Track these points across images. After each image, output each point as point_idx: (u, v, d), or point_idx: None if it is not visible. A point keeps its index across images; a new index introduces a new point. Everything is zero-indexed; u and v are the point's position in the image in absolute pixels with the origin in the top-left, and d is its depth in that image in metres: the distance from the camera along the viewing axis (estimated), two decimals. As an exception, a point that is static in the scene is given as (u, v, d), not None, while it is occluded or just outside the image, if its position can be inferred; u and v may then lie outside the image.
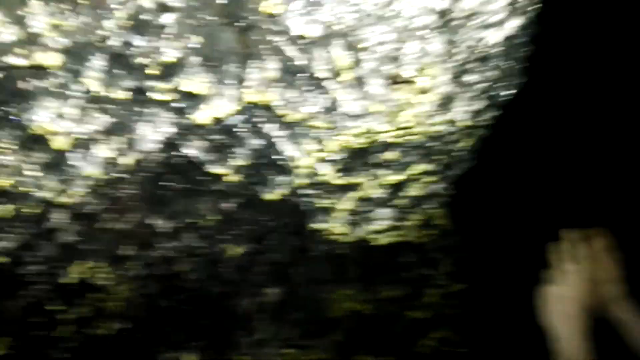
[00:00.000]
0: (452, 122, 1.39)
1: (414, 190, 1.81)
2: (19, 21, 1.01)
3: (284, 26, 0.93)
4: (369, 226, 1.92)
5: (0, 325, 1.43)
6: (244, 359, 2.10)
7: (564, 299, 1.19)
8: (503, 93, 1.46)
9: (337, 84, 1.03)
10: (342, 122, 1.12)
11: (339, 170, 1.34)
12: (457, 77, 1.21)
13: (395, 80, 1.03)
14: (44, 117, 1.06)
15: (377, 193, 1.63)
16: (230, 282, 1.94)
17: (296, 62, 0.99)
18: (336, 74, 1.01)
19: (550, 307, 1.21)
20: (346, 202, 1.59)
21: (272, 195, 1.39)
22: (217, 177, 1.30)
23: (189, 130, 1.09)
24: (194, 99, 0.98)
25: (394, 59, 1.01)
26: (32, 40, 1.01)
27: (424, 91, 1.10)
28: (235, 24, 0.91)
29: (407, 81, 1.05)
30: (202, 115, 1.03)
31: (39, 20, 1.00)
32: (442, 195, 2.05)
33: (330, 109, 1.09)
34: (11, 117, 1.05)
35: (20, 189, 1.15)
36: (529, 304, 1.38)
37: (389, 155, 1.38)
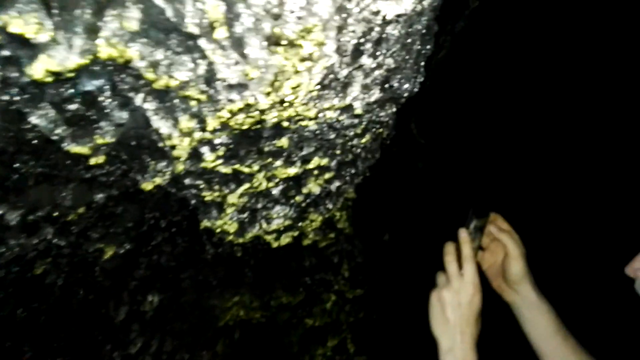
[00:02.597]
0: (350, 110, 1.28)
1: (312, 187, 1.69)
2: None
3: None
4: (267, 225, 1.77)
5: None
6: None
7: (451, 304, 1.13)
8: (404, 86, 1.39)
9: (211, 44, 0.88)
10: (219, 94, 0.96)
11: (225, 156, 1.18)
12: (353, 56, 1.10)
13: (277, 42, 0.90)
14: None
15: (272, 187, 1.49)
16: (103, 287, 1.70)
17: (166, 15, 0.82)
18: (210, 29, 0.85)
19: (437, 313, 1.14)
20: (238, 196, 1.43)
21: (150, 184, 1.19)
22: (80, 158, 1.08)
23: (29, 92, 0.88)
24: (28, 46, 0.78)
25: (275, 16, 0.88)
26: None
27: (309, 59, 0.98)
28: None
29: (292, 44, 0.92)
30: (40, 69, 0.82)
31: None
32: (341, 195, 1.95)
33: (206, 77, 0.94)
34: None
35: None
36: (425, 310, 1.31)
37: (281, 142, 1.24)
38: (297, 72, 0.98)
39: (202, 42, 0.88)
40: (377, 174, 2.33)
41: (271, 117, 1.12)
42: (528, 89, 3.29)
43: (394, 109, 1.60)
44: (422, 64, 1.54)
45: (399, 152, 2.75)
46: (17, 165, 1.10)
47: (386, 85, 1.37)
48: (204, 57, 0.91)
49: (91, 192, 1.33)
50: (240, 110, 1.02)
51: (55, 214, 1.38)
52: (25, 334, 1.63)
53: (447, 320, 1.13)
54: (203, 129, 1.08)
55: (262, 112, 1.08)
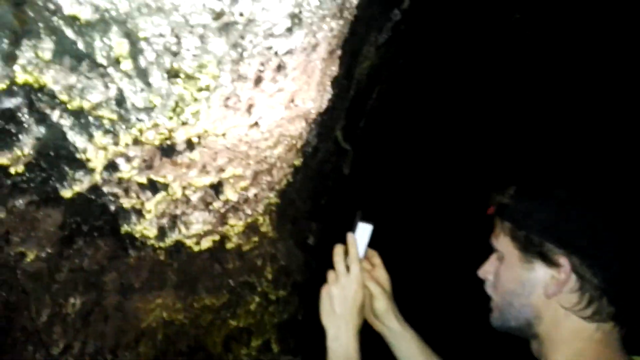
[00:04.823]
0: (258, 126, 1.44)
1: (229, 194, 1.83)
2: None
3: (56, 4, 0.89)
4: (186, 230, 1.89)
5: None
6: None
7: (338, 298, 1.30)
8: (309, 104, 1.56)
9: (119, 73, 1.01)
10: (130, 114, 1.09)
11: (139, 167, 1.30)
12: (255, 82, 1.26)
13: (176, 74, 1.04)
14: None
15: (189, 195, 1.62)
16: (25, 290, 1.76)
17: (77, 46, 0.95)
18: (116, 61, 0.99)
19: (326, 306, 1.31)
20: (156, 203, 1.55)
21: (69, 191, 1.29)
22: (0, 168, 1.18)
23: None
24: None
25: (174, 53, 1.02)
26: None
27: (206, 89, 1.13)
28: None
29: (189, 76, 1.06)
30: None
31: None
32: (260, 201, 2.10)
33: (116, 100, 1.06)
34: None
35: None
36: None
37: (194, 155, 1.38)
38: (195, 99, 1.13)
39: (111, 71, 1.01)
40: (299, 180, 2.50)
41: (180, 135, 1.26)
42: (447, 94, 3.56)
43: (304, 124, 1.77)
44: (329, 82, 1.73)
45: (323, 159, 2.93)
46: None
47: (291, 104, 1.54)
48: (113, 82, 1.04)
49: (12, 197, 1.41)
50: (150, 128, 1.15)
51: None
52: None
53: (334, 311, 1.30)
54: (117, 144, 1.20)
55: (170, 130, 1.21)
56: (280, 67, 1.30)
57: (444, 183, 4.07)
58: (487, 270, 1.19)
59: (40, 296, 1.83)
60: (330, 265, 1.35)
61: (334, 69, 1.67)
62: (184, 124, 1.21)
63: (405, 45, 3.02)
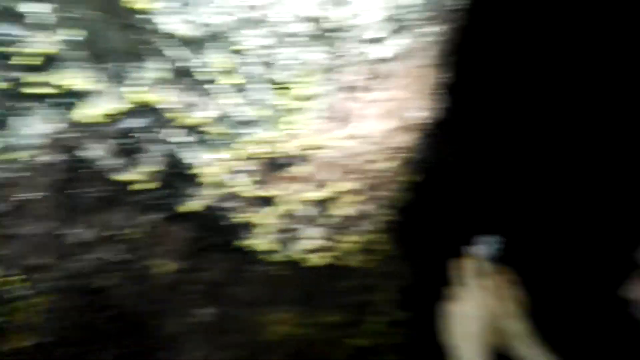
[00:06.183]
0: (365, 138, 1.41)
1: (344, 209, 1.82)
2: None
3: (160, 26, 0.95)
4: (300, 245, 1.91)
5: None
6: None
7: (466, 317, 1.20)
8: (416, 114, 1.49)
9: (223, 88, 1.06)
10: (236, 129, 1.13)
11: (250, 182, 1.35)
12: (360, 91, 1.24)
13: (278, 86, 1.06)
14: None
15: (301, 209, 1.64)
16: (158, 300, 1.91)
17: (181, 64, 1.01)
18: (220, 76, 1.03)
19: (452, 326, 1.21)
20: (267, 217, 1.59)
21: (187, 208, 1.38)
22: (125, 185, 1.29)
23: (78, 130, 1.10)
24: (75, 95, 1.00)
25: (275, 65, 1.04)
26: None
27: (309, 99, 1.13)
28: (116, 20, 0.93)
29: (289, 87, 1.07)
30: (86, 113, 1.03)
31: None
32: (374, 217, 2.06)
33: (222, 115, 1.11)
34: None
35: None
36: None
37: (302, 168, 1.39)
38: (299, 110, 1.14)
39: (216, 86, 1.06)
40: (418, 195, 2.41)
41: (287, 148, 1.28)
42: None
43: (416, 134, 1.71)
44: (432, 93, 1.65)
45: (433, 173, 2.80)
46: (77, 191, 1.33)
47: (400, 114, 1.49)
48: (218, 97, 1.09)
49: (139, 214, 1.55)
50: (256, 142, 1.19)
51: (112, 233, 1.61)
52: (90, 338, 1.86)
53: (456, 331, 1.20)
54: (226, 159, 1.25)
55: (277, 143, 1.24)
56: (380, 77, 1.27)
57: (574, 190, 3.63)
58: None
59: (171, 306, 1.97)
60: (453, 282, 1.26)
61: (441, 76, 1.59)
62: (290, 136, 1.23)
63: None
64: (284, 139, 1.24)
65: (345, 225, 1.96)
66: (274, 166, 1.38)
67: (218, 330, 2.11)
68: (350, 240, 2.10)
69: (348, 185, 1.68)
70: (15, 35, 0.98)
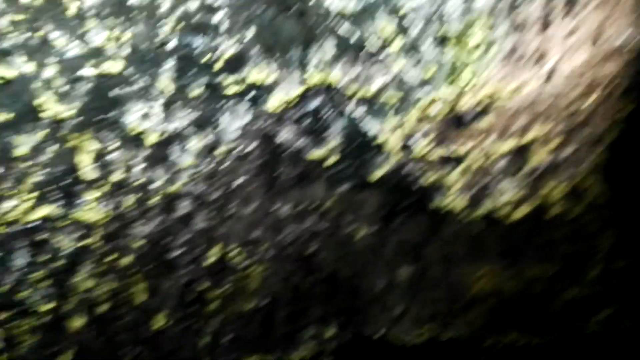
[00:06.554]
0: (555, 75, 1.27)
1: (539, 157, 1.68)
2: (80, 37, 1.26)
3: (327, 7, 0.98)
4: (496, 199, 1.83)
5: (161, 301, 1.70)
6: (381, 335, 2.17)
7: None
8: (622, 37, 1.28)
9: (392, 53, 1.04)
10: (412, 91, 1.11)
11: (434, 142, 1.32)
12: (542, 26, 1.11)
13: (445, 39, 1.00)
14: (134, 118, 1.27)
15: (492, 163, 1.56)
16: (360, 262, 2.02)
17: (352, 39, 1.02)
18: (388, 43, 1.02)
19: None
20: (458, 176, 1.55)
21: (376, 176, 1.42)
22: (318, 162, 1.38)
23: (269, 119, 1.19)
24: (263, 87, 1.08)
25: (438, 20, 0.98)
26: (97, 53, 1.23)
27: (480, 47, 1.04)
28: (287, 10, 0.98)
29: (459, 38, 1.00)
30: (275, 102, 1.12)
31: (98, 34, 1.23)
32: (579, 160, 1.85)
33: (396, 80, 1.10)
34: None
35: (133, 181, 1.39)
36: None
37: (486, 121, 1.32)
38: (471, 61, 1.07)
39: (385, 53, 1.06)
40: (627, 128, 2.10)
41: (465, 102, 1.22)
42: None
43: (619, 62, 1.47)
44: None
45: None
46: (278, 172, 1.46)
47: (596, 42, 1.30)
48: (389, 64, 1.08)
49: (334, 186, 1.64)
50: (433, 101, 1.16)
51: (313, 205, 1.74)
52: (307, 299, 2.06)
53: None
54: (406, 123, 1.25)
55: (454, 99, 1.19)
56: (571, 2, 1.11)
57: None
58: None
59: (374, 267, 2.07)
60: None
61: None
62: (466, 89, 1.17)
63: None
64: (463, 94, 1.18)
65: (545, 172, 1.81)
66: (458, 123, 1.33)
67: (418, 287, 2.16)
68: (553, 187, 1.93)
69: (544, 129, 1.53)
70: (199, 46, 1.10)
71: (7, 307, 1.36)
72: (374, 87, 1.13)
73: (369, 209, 1.87)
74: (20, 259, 1.37)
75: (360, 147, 1.36)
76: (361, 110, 1.20)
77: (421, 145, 1.34)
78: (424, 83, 1.11)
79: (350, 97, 1.15)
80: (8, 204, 1.34)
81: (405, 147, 1.35)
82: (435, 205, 1.79)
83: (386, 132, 1.27)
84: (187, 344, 1.61)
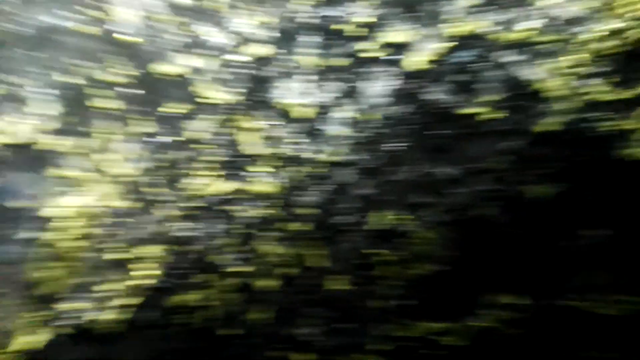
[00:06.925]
0: None
1: None
2: (226, 27, 1.39)
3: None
4: None
5: (342, 266, 1.81)
6: (575, 304, 2.00)
7: None
8: None
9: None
10: (569, 29, 0.99)
11: (610, 84, 1.17)
12: None
13: None
14: (289, 95, 1.36)
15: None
16: (534, 222, 1.88)
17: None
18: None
19: None
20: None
21: (542, 127, 1.32)
22: (473, 118, 1.33)
23: (414, 78, 1.18)
24: (402, 47, 1.07)
25: None
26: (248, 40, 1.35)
27: None
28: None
29: None
30: (416, 61, 1.11)
31: (243, 22, 1.35)
32: None
33: (547, 20, 0.99)
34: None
35: (293, 154, 1.50)
36: None
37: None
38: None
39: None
40: None
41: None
42: None
43: None
44: None
45: None
46: (433, 133, 1.44)
47: None
48: (536, 4, 0.99)
49: (496, 142, 1.56)
50: (599, 38, 1.03)
51: (476, 165, 1.67)
52: (481, 265, 1.99)
53: None
54: (574, 66, 1.13)
55: (625, 32, 1.04)
56: None
57: None
58: None
59: (550, 228, 1.91)
60: None
61: None
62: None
63: None
64: (633, 25, 1.02)
65: None
66: (635, 58, 1.15)
67: (606, 253, 1.93)
68: None
69: None
70: (336, 16, 1.14)
71: (206, 270, 1.60)
72: (522, 30, 1.04)
73: (541, 165, 1.73)
74: (218, 226, 1.61)
75: (521, 97, 1.27)
76: (514, 56, 1.11)
77: (592, 88, 1.20)
78: (581, 19, 0.98)
79: (501, 44, 1.07)
80: (200, 181, 1.58)
81: (574, 92, 1.21)
82: (623, 154, 1.58)
83: (546, 77, 1.16)
84: (359, 305, 1.70)
